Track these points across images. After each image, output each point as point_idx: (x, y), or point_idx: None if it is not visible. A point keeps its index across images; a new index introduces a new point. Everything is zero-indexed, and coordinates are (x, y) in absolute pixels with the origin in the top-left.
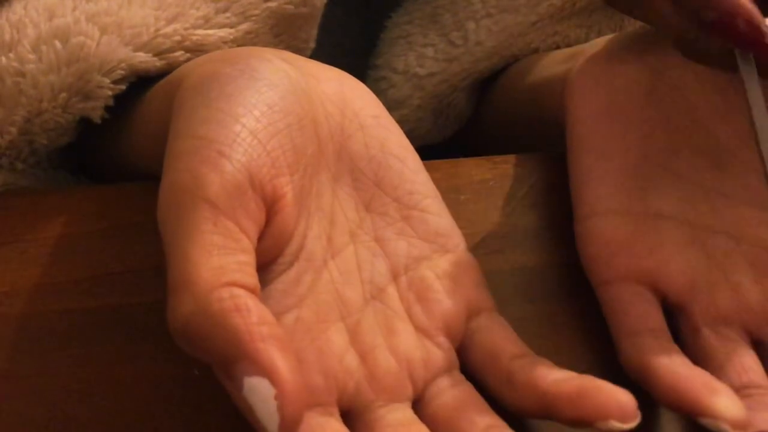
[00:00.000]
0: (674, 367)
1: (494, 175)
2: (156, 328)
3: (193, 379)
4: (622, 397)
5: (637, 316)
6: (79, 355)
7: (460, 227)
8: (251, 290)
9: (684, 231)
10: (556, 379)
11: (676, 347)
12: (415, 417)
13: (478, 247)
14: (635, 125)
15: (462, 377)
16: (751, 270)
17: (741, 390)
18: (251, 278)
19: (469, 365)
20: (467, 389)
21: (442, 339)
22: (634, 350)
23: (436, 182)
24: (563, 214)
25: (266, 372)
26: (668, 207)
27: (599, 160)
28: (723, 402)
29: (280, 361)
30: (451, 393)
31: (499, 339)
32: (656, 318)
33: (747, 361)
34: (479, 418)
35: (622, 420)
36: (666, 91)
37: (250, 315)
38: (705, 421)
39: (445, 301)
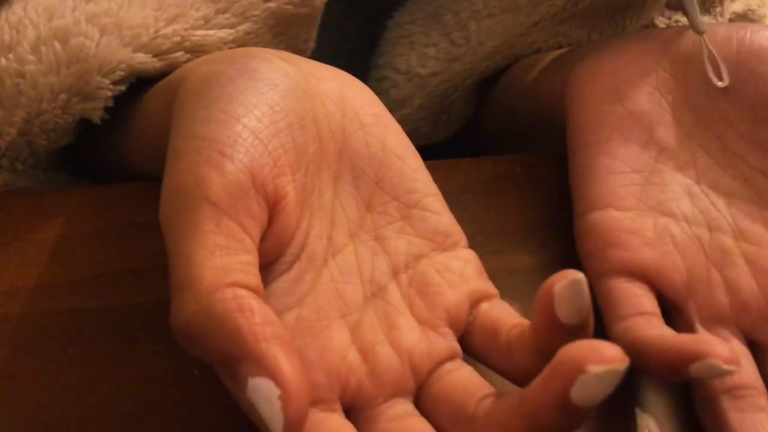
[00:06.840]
0: (664, 335)
1: (494, 175)
2: (156, 328)
3: (193, 378)
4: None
5: (630, 304)
6: (79, 355)
7: (460, 227)
8: (254, 290)
9: (682, 227)
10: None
11: (667, 327)
12: (415, 410)
13: (478, 247)
14: (635, 122)
15: (463, 363)
16: (749, 269)
17: (733, 391)
18: (254, 278)
19: (472, 349)
20: (468, 371)
21: (444, 329)
22: (625, 331)
23: (436, 182)
24: (564, 213)
25: (270, 372)
26: (667, 203)
27: (599, 156)
28: (714, 345)
29: (283, 361)
30: (452, 376)
31: (500, 317)
32: (648, 305)
33: (741, 361)
34: (478, 391)
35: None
36: (667, 89)
37: (254, 315)
38: (697, 367)
39: (446, 292)
